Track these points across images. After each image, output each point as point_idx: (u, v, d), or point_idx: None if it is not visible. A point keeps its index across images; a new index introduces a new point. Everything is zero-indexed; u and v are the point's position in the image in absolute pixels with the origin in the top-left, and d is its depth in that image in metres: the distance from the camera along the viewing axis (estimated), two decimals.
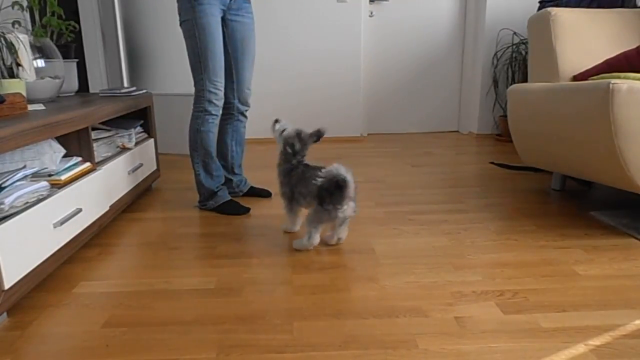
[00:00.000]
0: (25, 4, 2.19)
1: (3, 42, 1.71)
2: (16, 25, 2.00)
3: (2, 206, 1.21)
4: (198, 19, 1.83)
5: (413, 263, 1.52)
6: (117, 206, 1.90)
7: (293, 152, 1.70)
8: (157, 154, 2.42)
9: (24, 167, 1.42)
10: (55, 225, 1.40)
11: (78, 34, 2.80)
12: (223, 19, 1.93)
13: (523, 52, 3.50)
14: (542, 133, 1.98)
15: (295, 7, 3.59)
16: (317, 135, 1.71)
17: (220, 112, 1.99)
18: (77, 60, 2.33)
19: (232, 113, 2.12)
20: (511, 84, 3.13)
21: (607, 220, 1.85)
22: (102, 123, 2.00)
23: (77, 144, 1.69)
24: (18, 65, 1.76)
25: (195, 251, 1.66)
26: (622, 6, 2.40)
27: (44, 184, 1.40)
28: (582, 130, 1.72)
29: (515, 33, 3.61)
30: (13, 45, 1.73)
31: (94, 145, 1.78)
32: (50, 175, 1.50)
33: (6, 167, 1.42)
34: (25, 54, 1.79)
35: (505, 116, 3.54)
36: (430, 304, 1.26)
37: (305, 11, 3.61)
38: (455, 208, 2.06)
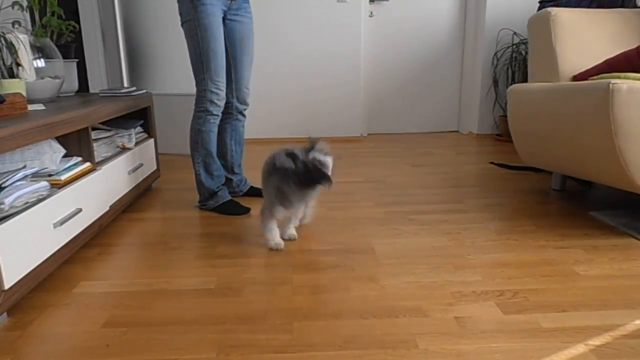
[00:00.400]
0: (25, 4, 2.19)
1: (3, 42, 1.71)
2: (16, 25, 2.00)
3: (2, 206, 1.21)
4: (201, 19, 1.83)
5: (413, 263, 1.52)
6: (117, 206, 1.90)
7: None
8: (157, 154, 2.42)
9: (24, 167, 1.43)
10: (55, 225, 1.40)
11: (78, 34, 2.80)
12: (222, 19, 1.93)
13: (523, 52, 3.50)
14: (542, 133, 1.98)
15: (295, 7, 3.59)
16: (312, 145, 1.63)
17: (221, 112, 1.99)
18: (77, 60, 2.33)
19: (231, 112, 2.12)
20: (511, 84, 3.13)
21: (607, 220, 1.85)
22: (102, 123, 2.00)
23: (77, 144, 1.69)
24: (18, 65, 1.76)
25: (195, 251, 1.65)
26: (622, 6, 2.40)
27: (44, 184, 1.40)
28: (582, 130, 1.72)
29: (515, 33, 3.61)
30: (13, 45, 1.73)
31: (94, 145, 1.78)
32: (50, 175, 1.50)
33: (6, 167, 1.42)
34: (25, 54, 1.79)
35: (505, 116, 3.54)
36: (430, 304, 1.26)
37: (305, 11, 3.61)
38: (455, 208, 2.06)
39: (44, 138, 1.39)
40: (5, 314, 1.23)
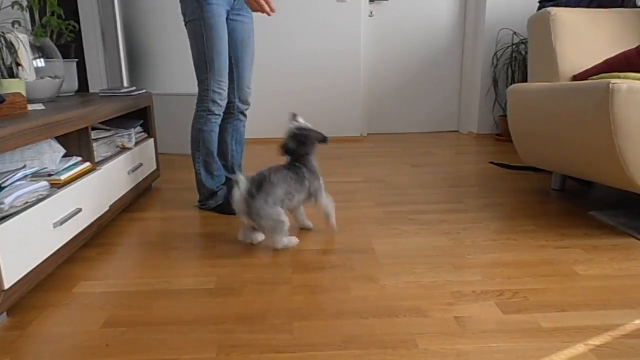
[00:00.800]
0: (25, 4, 2.19)
1: (3, 42, 1.71)
2: (16, 25, 2.00)
3: (2, 206, 1.21)
4: (207, 19, 1.83)
5: (413, 263, 1.52)
6: (117, 206, 1.90)
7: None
8: (157, 154, 2.42)
9: (24, 167, 1.42)
10: (55, 225, 1.40)
11: (78, 34, 2.80)
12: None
13: (523, 52, 3.50)
14: (542, 133, 1.98)
15: (296, 7, 3.59)
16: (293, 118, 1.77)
17: (223, 112, 1.99)
18: (77, 60, 2.33)
19: (232, 112, 2.12)
20: (511, 84, 3.13)
21: (607, 220, 1.85)
22: (102, 123, 2.00)
23: (77, 144, 1.69)
24: (18, 65, 1.76)
25: (195, 251, 1.65)
26: (622, 6, 2.40)
27: (44, 184, 1.40)
28: (582, 130, 1.72)
29: (515, 33, 3.61)
30: (13, 45, 1.73)
31: (94, 145, 1.78)
32: (50, 175, 1.50)
33: (6, 167, 1.42)
34: (25, 54, 1.79)
35: (505, 116, 3.54)
36: (430, 304, 1.26)
37: (305, 11, 3.61)
38: (455, 208, 2.06)
39: (44, 138, 1.39)
40: (5, 314, 1.23)
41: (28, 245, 1.27)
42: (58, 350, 1.10)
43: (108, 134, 1.98)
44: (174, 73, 3.24)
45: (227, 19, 1.95)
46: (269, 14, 1.82)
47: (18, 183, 1.32)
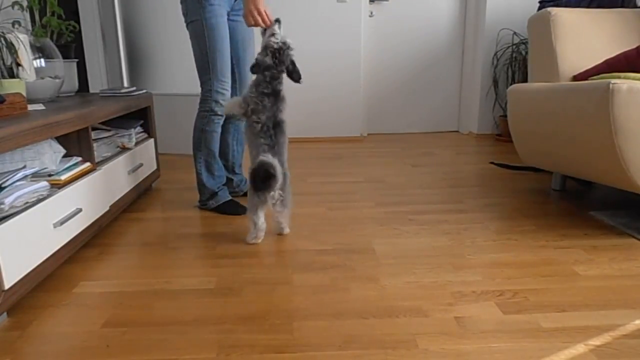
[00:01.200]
0: (25, 4, 2.19)
1: (3, 42, 1.71)
2: (16, 25, 2.00)
3: (2, 206, 1.21)
4: (208, 19, 1.83)
5: (413, 263, 1.52)
6: (117, 206, 1.90)
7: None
8: (157, 154, 2.42)
9: (24, 167, 1.42)
10: (55, 225, 1.40)
11: (78, 34, 2.79)
12: None
13: (523, 52, 3.50)
14: (542, 133, 1.98)
15: (295, 7, 3.59)
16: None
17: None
18: (77, 60, 2.32)
19: None
20: (511, 84, 3.13)
21: (607, 220, 1.85)
22: (102, 123, 2.00)
23: (77, 144, 1.69)
24: (18, 65, 1.76)
25: (195, 251, 1.66)
26: (622, 6, 2.40)
27: (44, 184, 1.40)
28: (582, 130, 1.72)
29: (515, 33, 3.61)
30: (13, 45, 1.73)
31: (94, 145, 1.78)
32: (50, 175, 1.50)
33: (6, 167, 1.42)
34: (25, 54, 1.79)
35: (505, 116, 3.54)
36: (430, 304, 1.26)
37: (305, 11, 3.61)
38: (455, 208, 2.06)
39: (44, 138, 1.39)
40: (5, 314, 1.23)
41: (28, 245, 1.27)
42: (58, 350, 1.10)
43: (108, 134, 1.98)
44: (174, 73, 3.23)
45: (227, 19, 1.95)
46: (264, 29, 1.84)
47: (18, 183, 1.32)
